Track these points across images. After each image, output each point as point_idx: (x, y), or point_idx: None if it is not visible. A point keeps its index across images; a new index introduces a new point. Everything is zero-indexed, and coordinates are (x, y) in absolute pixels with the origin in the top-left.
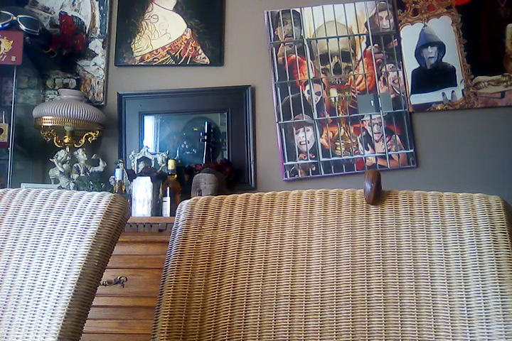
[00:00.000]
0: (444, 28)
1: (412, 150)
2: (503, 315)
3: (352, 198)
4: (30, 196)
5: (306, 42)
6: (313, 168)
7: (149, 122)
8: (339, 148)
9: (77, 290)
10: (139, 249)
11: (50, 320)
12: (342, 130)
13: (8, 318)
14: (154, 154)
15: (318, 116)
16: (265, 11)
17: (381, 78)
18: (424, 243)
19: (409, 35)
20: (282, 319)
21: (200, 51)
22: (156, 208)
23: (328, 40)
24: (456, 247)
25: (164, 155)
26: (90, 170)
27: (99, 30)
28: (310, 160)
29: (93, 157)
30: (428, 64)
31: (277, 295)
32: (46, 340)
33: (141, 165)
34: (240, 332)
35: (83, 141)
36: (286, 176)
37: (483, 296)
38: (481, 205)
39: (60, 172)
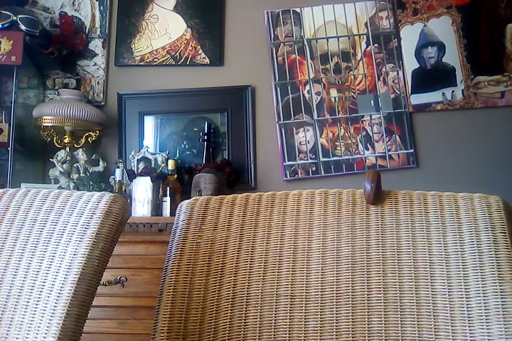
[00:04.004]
0: (444, 28)
1: (412, 150)
2: (503, 315)
3: (352, 198)
4: (30, 196)
5: (306, 42)
6: (313, 168)
7: (149, 122)
8: (339, 148)
9: (77, 290)
10: (139, 248)
11: (50, 320)
12: (342, 130)
13: (8, 318)
14: (154, 154)
15: (318, 116)
16: (265, 11)
17: (381, 78)
18: (424, 243)
19: (409, 35)
20: (282, 319)
21: (200, 51)
22: (156, 208)
23: (328, 40)
24: (456, 247)
25: (164, 155)
26: (90, 170)
27: (99, 30)
28: (310, 160)
29: (93, 157)
30: (428, 64)
31: (277, 295)
32: (46, 340)
33: (141, 165)
34: (240, 332)
35: (83, 141)
36: (286, 176)
37: (483, 296)
38: (481, 205)
39: (60, 172)
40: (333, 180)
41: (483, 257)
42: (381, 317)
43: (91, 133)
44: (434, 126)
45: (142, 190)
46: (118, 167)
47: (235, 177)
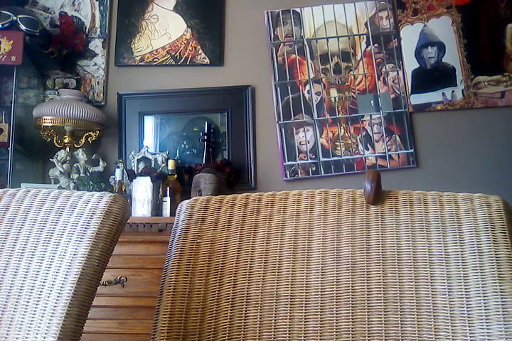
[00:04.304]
0: (444, 28)
1: (412, 150)
2: (503, 315)
3: (352, 198)
4: (30, 196)
5: (306, 42)
6: (313, 168)
7: (149, 122)
8: (339, 148)
9: (77, 290)
10: (139, 249)
11: (50, 320)
12: (342, 130)
13: (8, 318)
14: (154, 154)
15: (318, 116)
16: (265, 11)
17: (381, 78)
18: (424, 243)
19: (409, 35)
20: (282, 319)
21: (200, 51)
22: (156, 208)
23: (328, 40)
24: (456, 247)
25: (164, 155)
26: (90, 170)
27: (99, 30)
28: (310, 160)
29: (93, 157)
30: (428, 64)
31: (277, 295)
32: (46, 340)
33: (141, 165)
34: (240, 332)
35: (83, 141)
36: (286, 176)
37: (483, 296)
38: (481, 205)
39: (60, 172)
40: (333, 180)
41: (483, 257)
42: (381, 317)
43: (91, 133)
44: (434, 126)
45: (142, 190)
46: (118, 167)
47: (235, 177)
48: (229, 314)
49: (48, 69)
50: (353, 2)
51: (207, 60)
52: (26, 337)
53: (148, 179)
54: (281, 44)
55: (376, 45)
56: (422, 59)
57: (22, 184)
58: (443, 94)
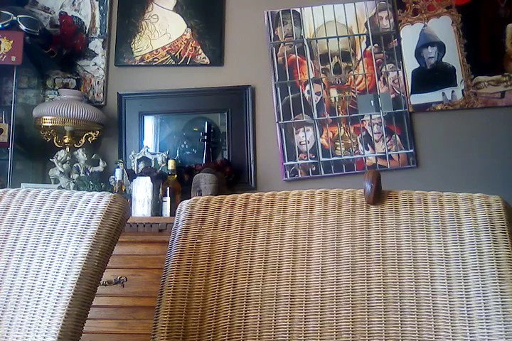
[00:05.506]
0: (444, 28)
1: (412, 150)
2: (503, 315)
3: (352, 198)
4: (30, 196)
5: (306, 42)
6: (313, 168)
7: (149, 122)
8: (339, 148)
9: (77, 290)
10: (139, 249)
11: (50, 320)
12: (342, 130)
13: (8, 318)
14: (154, 154)
15: (318, 116)
16: (265, 11)
17: (381, 78)
18: (424, 243)
19: (409, 35)
20: (282, 319)
21: (200, 51)
22: (156, 208)
23: (328, 40)
24: (456, 247)
25: (164, 155)
26: (90, 170)
27: (99, 30)
28: (310, 160)
29: (93, 157)
30: (428, 64)
31: (277, 295)
32: (46, 340)
33: (141, 165)
34: (240, 332)
35: (83, 141)
36: (286, 176)
37: (483, 296)
38: (481, 205)
39: (60, 172)
40: (333, 180)
41: (483, 257)
42: (381, 317)
43: (91, 133)
44: (434, 126)
45: (142, 190)
46: (118, 167)
47: (235, 177)
48: (229, 314)
49: (48, 69)
50: (353, 2)
51: (207, 60)
52: (26, 337)
53: (148, 179)
54: (281, 44)
55: (376, 45)
56: (422, 59)
57: (22, 184)
58: (443, 94)
